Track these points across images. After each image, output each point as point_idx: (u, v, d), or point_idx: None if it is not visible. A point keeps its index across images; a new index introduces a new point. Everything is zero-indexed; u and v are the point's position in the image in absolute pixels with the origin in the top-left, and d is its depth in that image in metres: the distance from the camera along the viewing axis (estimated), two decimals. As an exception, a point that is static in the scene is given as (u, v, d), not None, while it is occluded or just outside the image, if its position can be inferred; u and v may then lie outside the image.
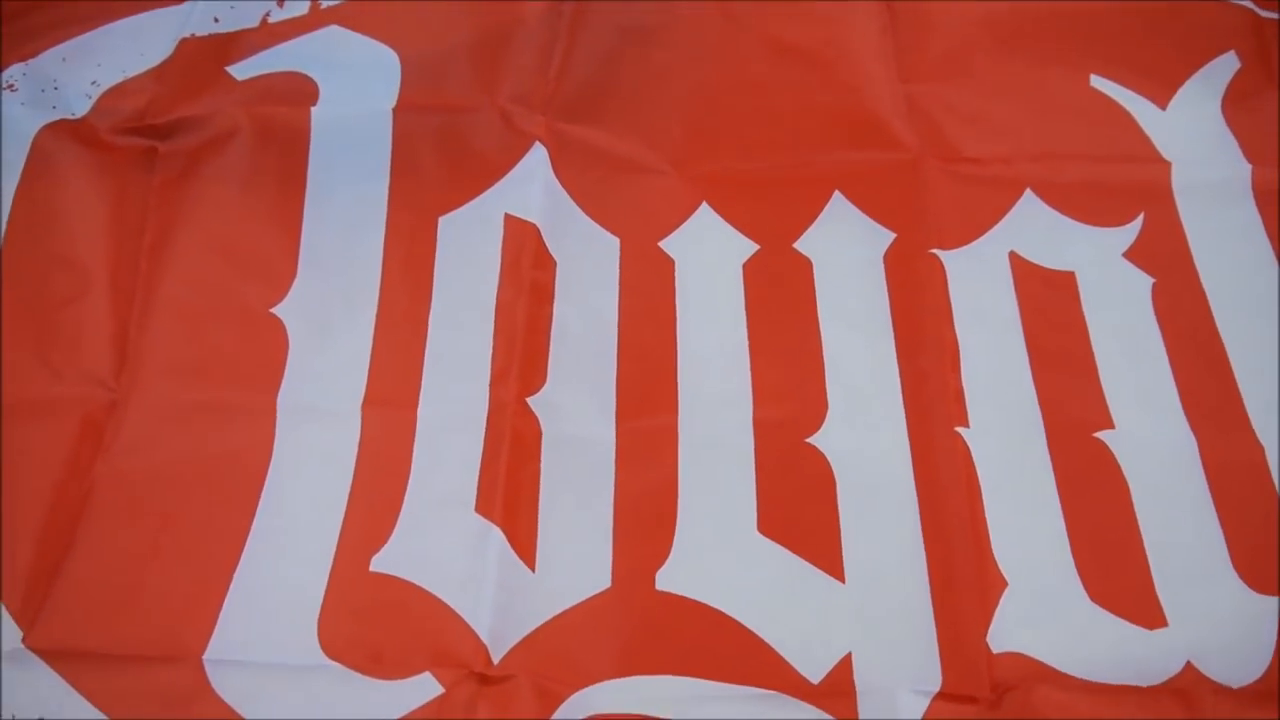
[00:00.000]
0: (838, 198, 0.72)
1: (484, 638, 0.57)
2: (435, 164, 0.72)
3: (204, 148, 0.72)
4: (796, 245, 0.70)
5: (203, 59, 0.77)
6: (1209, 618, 0.57)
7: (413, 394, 0.65)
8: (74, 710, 0.55)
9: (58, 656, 0.57)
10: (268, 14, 0.79)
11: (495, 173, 0.71)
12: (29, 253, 0.70)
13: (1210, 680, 0.55)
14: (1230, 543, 0.59)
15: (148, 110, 0.74)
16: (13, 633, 0.57)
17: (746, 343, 0.67)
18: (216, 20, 0.78)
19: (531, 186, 0.71)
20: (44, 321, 0.67)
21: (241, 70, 0.76)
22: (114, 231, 0.70)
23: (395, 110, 0.73)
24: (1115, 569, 0.59)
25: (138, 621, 0.58)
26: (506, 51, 0.77)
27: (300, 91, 0.75)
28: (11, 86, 0.75)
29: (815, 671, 0.56)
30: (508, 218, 0.70)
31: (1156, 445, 0.63)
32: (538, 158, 0.72)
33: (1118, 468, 0.62)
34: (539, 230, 0.69)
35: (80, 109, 0.74)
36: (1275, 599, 0.57)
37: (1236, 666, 0.55)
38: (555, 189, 0.72)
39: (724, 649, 0.57)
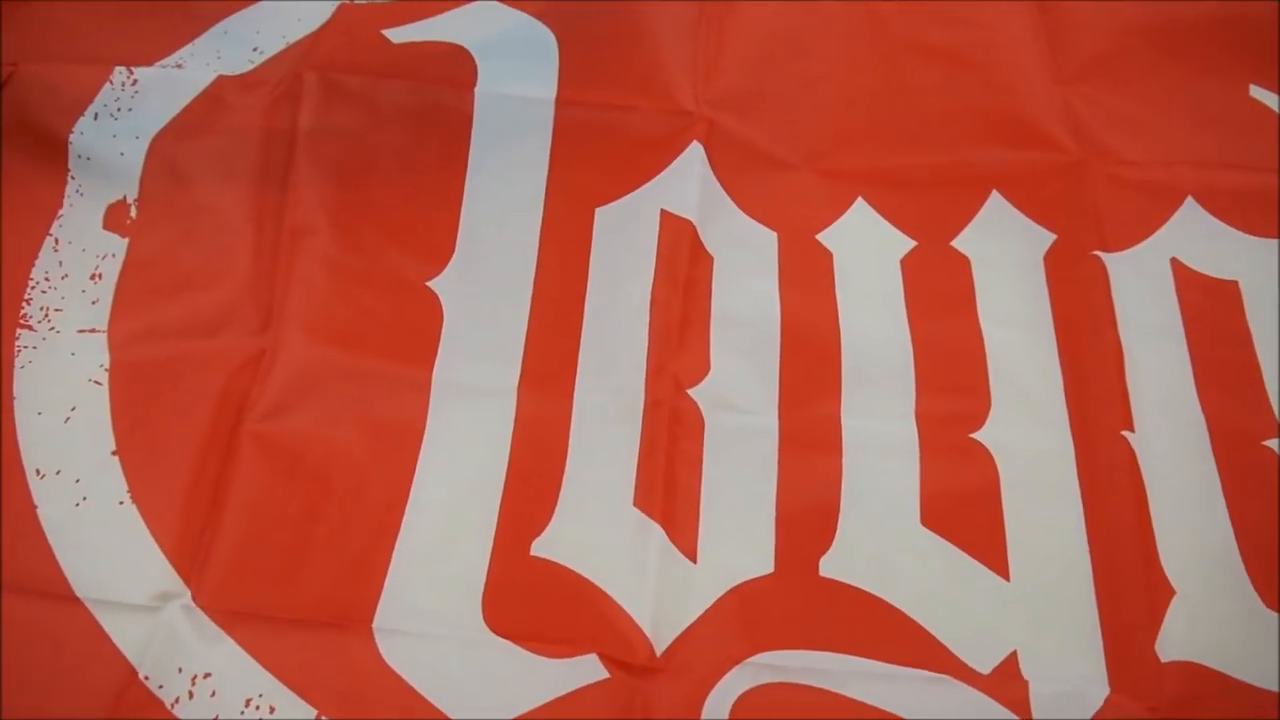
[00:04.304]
0: (995, 197, 0.72)
1: (647, 630, 0.57)
2: (594, 156, 0.73)
3: (361, 114, 0.73)
4: (954, 243, 0.71)
5: (360, 23, 0.78)
6: None
7: (568, 381, 0.65)
8: (244, 670, 0.56)
9: (228, 618, 0.57)
10: (425, -14, 0.80)
11: (652, 168, 0.72)
12: (173, 199, 0.71)
13: None
14: None
15: (305, 65, 0.75)
16: (179, 589, 0.58)
17: (909, 335, 0.67)
18: (374, -10, 0.79)
19: (688, 184, 0.71)
20: (187, 270, 0.68)
21: (398, 35, 0.77)
22: (258, 185, 0.71)
23: (557, 101, 0.74)
24: None
25: (304, 586, 0.59)
26: (659, 48, 0.78)
27: (459, 67, 0.75)
28: (180, 65, 0.76)
29: (983, 663, 0.57)
30: (664, 214, 0.70)
31: None
32: (695, 155, 0.72)
33: None
34: (695, 227, 0.70)
35: (242, 70, 0.76)
36: None
37: None
38: (712, 185, 0.72)
39: (889, 635, 0.58)
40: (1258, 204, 0.71)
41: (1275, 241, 0.70)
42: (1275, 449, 0.63)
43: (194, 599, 0.58)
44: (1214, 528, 0.60)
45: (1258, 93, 0.76)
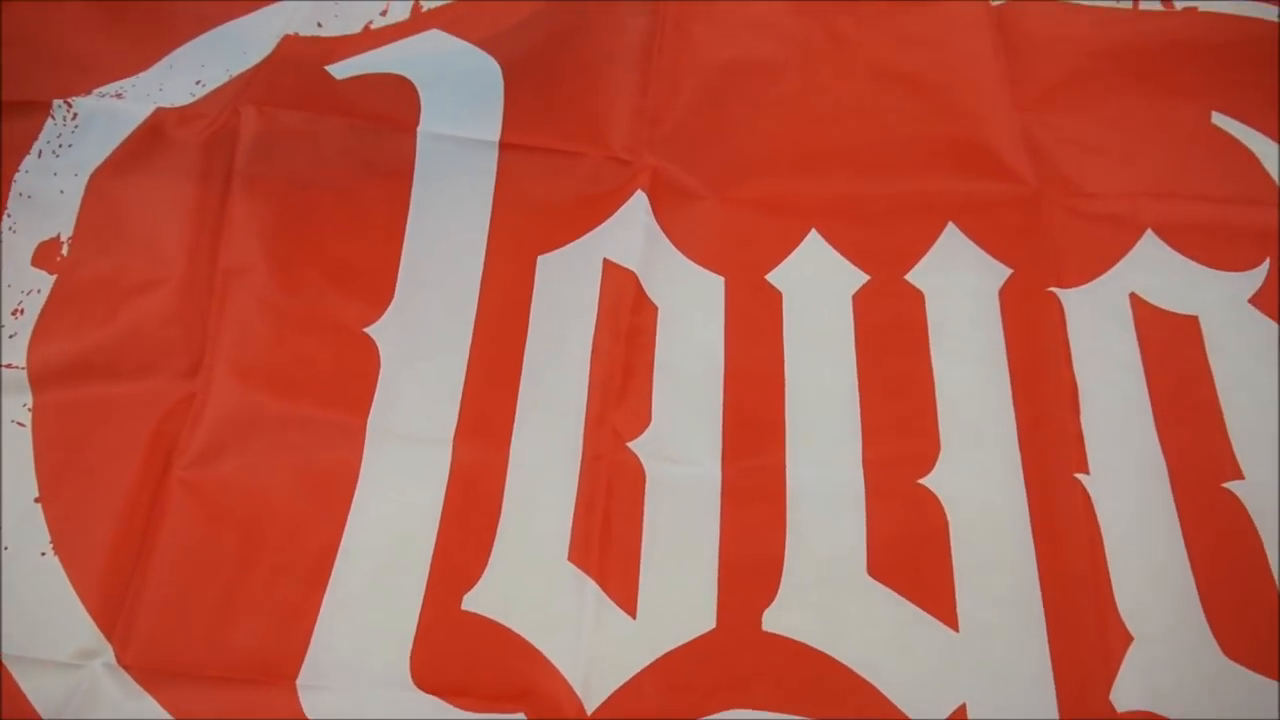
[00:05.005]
0: (951, 229, 0.70)
1: (577, 688, 0.56)
2: (537, 202, 0.71)
3: (301, 152, 0.71)
4: (908, 277, 0.69)
5: (303, 56, 0.76)
6: None
7: (506, 431, 0.64)
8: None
9: (150, 677, 0.56)
10: (370, 22, 0.78)
11: (596, 216, 0.70)
12: (106, 236, 0.69)
13: None
14: None
15: (244, 98, 0.73)
16: (102, 646, 0.57)
17: (856, 377, 0.65)
18: (320, 25, 0.78)
19: (632, 232, 0.69)
20: (116, 307, 0.66)
21: (341, 70, 0.75)
22: (193, 222, 0.69)
23: (500, 145, 0.72)
24: (1250, 623, 0.56)
25: (230, 642, 0.57)
26: (608, 81, 0.76)
27: (402, 102, 0.73)
28: (119, 95, 0.74)
29: (928, 718, 0.55)
30: (606, 263, 0.69)
31: None
32: (639, 204, 0.70)
33: (1249, 519, 0.59)
34: (638, 277, 0.68)
35: (182, 102, 0.74)
36: None
37: None
38: (656, 234, 0.70)
39: (831, 691, 0.56)
40: (1218, 236, 0.69)
41: (1237, 275, 0.68)
42: (1236, 492, 0.60)
43: (117, 658, 0.56)
44: (1173, 572, 0.58)
45: (1220, 120, 0.74)
